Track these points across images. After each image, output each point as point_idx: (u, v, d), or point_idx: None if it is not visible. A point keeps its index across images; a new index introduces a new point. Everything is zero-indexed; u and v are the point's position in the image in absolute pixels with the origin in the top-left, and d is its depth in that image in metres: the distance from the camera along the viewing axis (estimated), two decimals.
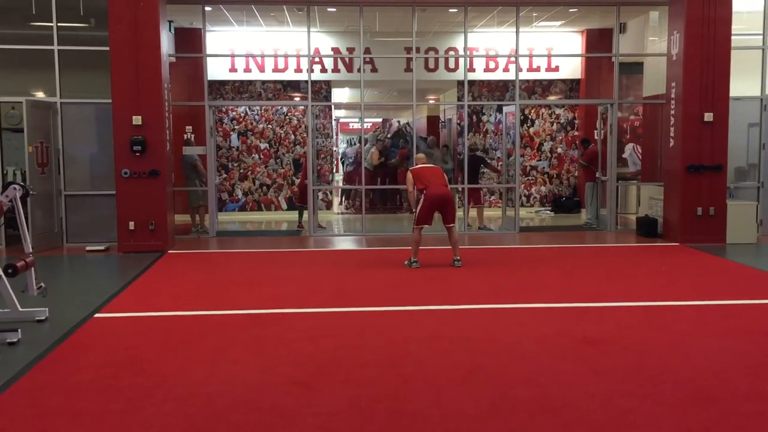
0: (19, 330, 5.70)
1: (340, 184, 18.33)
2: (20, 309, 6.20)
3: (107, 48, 10.22)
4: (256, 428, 3.95)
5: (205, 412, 4.17)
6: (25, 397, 4.45)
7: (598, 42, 14.60)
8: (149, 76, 10.21)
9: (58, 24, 10.85)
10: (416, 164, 9.23)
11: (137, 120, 10.20)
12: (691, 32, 10.61)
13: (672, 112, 11.08)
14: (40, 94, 11.40)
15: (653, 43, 13.49)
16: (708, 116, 10.63)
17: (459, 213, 11.61)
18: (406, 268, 8.71)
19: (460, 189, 12.64)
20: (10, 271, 6.03)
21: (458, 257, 8.85)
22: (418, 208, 8.84)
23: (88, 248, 10.54)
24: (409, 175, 8.96)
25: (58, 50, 10.85)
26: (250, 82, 15.00)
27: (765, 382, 4.66)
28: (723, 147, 10.74)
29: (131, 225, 10.27)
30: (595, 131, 14.01)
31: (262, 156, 15.09)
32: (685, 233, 10.73)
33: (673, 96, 11.05)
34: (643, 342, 5.59)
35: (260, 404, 4.29)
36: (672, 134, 11.09)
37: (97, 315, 6.55)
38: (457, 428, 3.94)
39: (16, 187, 6.33)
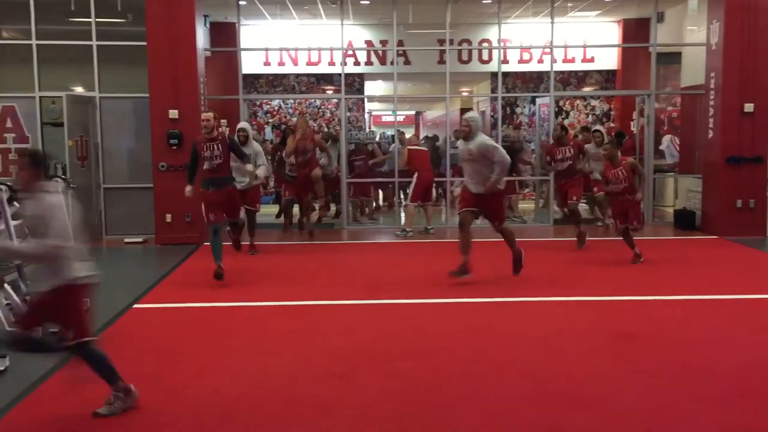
0: None
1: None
2: None
3: (144, 43, 10.37)
4: (291, 419, 4.00)
5: (240, 403, 4.23)
6: (67, 386, 4.56)
7: (634, 32, 14.35)
8: (185, 71, 10.33)
9: (97, 20, 11.02)
10: (410, 143, 11.59)
11: (174, 114, 10.33)
12: (731, 21, 10.39)
13: (711, 102, 10.87)
14: (79, 89, 11.60)
15: (692, 32, 13.23)
16: (748, 107, 10.40)
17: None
18: (439, 261, 8.70)
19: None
20: None
21: (430, 226, 11.00)
22: (413, 187, 10.91)
23: (126, 240, 10.73)
24: (406, 153, 11.13)
25: (97, 46, 11.03)
26: (284, 76, 15.09)
27: None
28: (764, 138, 10.50)
29: (168, 217, 10.42)
30: (632, 123, 13.80)
31: None
32: (724, 226, 10.53)
33: (712, 86, 10.84)
34: (681, 337, 5.52)
35: (296, 396, 4.34)
36: (711, 125, 10.88)
37: (136, 305, 6.68)
38: (491, 421, 3.94)
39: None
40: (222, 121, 13.28)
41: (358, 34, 14.49)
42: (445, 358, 5.05)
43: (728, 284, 7.46)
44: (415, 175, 10.92)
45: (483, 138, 7.43)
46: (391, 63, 13.12)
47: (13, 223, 5.82)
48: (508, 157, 7.39)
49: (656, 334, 5.56)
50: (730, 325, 5.85)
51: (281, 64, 14.75)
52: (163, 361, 5.04)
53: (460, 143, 7.91)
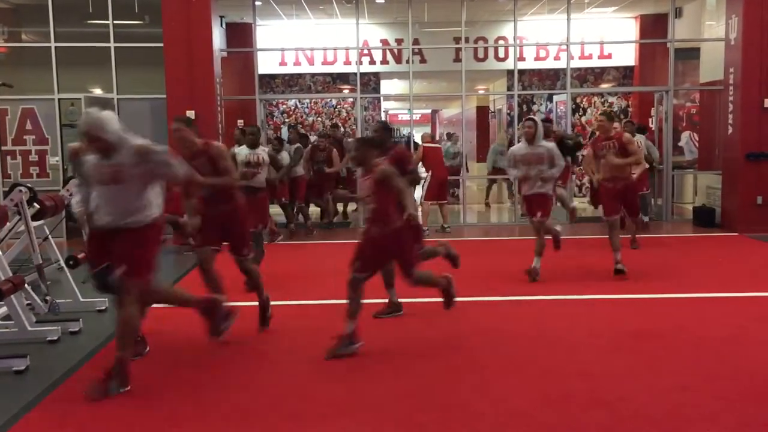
0: (81, 320, 5.90)
1: None
2: (81, 299, 6.40)
3: (161, 44, 10.45)
4: (308, 417, 4.01)
5: (257, 402, 4.25)
6: (88, 384, 4.60)
7: (652, 27, 14.24)
8: (202, 72, 10.42)
9: (114, 22, 11.12)
10: (424, 141, 11.55)
11: (191, 114, 10.38)
12: (750, 15, 10.28)
13: (730, 98, 10.76)
14: (97, 91, 11.73)
15: (710, 27, 13.10)
16: None
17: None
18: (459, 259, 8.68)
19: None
20: (71, 262, 6.23)
21: (446, 224, 11.04)
22: (427, 185, 10.82)
23: None
24: (421, 150, 11.16)
25: (115, 47, 11.13)
26: (300, 76, 15.13)
27: None
28: None
29: (185, 217, 10.47)
30: (650, 119, 13.69)
31: None
32: (744, 223, 10.42)
33: (731, 82, 10.73)
34: (700, 335, 5.46)
35: (312, 394, 4.35)
36: (730, 121, 10.78)
37: (153, 306, 6.70)
38: (509, 420, 3.93)
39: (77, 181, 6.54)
40: (239, 121, 13.38)
41: (373, 33, 14.50)
42: (461, 356, 5.04)
43: (748, 282, 7.37)
44: (429, 174, 10.92)
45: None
46: (407, 62, 13.12)
47: (33, 224, 5.89)
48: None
49: (675, 333, 5.51)
50: (751, 324, 5.78)
51: (297, 63, 14.80)
52: (183, 360, 5.08)
53: None
